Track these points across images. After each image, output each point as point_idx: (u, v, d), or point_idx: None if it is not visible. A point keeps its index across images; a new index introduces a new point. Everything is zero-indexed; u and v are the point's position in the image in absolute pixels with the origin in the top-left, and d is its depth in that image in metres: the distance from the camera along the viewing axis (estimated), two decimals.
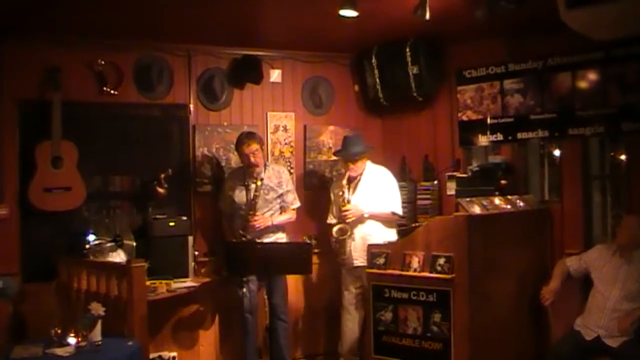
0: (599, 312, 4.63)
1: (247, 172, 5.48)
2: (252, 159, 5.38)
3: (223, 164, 5.95)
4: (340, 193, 5.54)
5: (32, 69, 5.22)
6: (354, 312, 5.65)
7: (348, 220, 5.45)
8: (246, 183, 5.41)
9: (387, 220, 5.58)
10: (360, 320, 5.61)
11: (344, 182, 5.57)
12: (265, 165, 5.56)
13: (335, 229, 5.50)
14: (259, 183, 5.37)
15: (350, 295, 5.66)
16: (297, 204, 5.70)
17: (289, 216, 5.63)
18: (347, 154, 5.59)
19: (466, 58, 5.88)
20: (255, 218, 5.35)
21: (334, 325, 5.94)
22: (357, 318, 5.64)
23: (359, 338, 5.64)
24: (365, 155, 5.62)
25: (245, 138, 5.45)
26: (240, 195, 5.46)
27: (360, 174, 5.60)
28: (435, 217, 5.62)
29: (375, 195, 5.56)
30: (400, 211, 5.63)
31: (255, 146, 5.40)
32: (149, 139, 5.77)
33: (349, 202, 5.49)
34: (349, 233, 5.45)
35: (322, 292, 6.21)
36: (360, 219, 5.50)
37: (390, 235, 5.52)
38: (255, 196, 5.35)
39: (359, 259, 5.45)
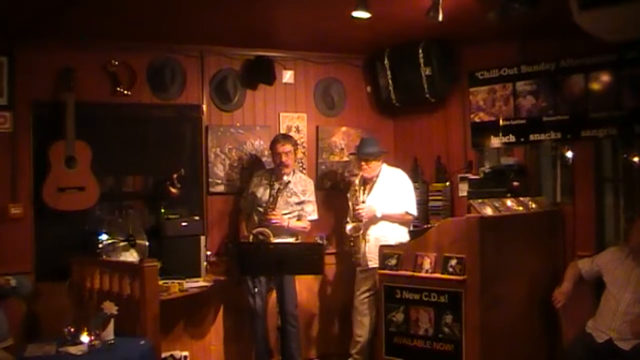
0: (611, 315, 4.61)
1: (275, 171, 5.60)
2: (284, 159, 5.52)
3: (235, 164, 5.98)
4: (354, 192, 5.63)
5: (45, 70, 5.27)
6: (365, 313, 5.67)
7: (361, 218, 5.52)
8: (272, 182, 5.52)
9: (401, 221, 5.62)
10: (372, 321, 5.63)
11: (357, 181, 5.68)
12: (294, 171, 5.69)
13: (349, 226, 5.57)
14: (285, 179, 5.50)
15: (362, 296, 5.69)
16: (315, 216, 5.75)
17: (304, 225, 5.66)
18: (361, 153, 5.68)
19: (479, 60, 5.86)
20: (274, 213, 5.42)
21: (347, 326, 5.94)
22: (368, 319, 5.66)
23: (369, 339, 5.66)
24: (380, 158, 5.68)
25: (282, 138, 5.64)
26: (264, 193, 5.55)
27: (377, 176, 5.68)
28: (447, 219, 5.61)
29: (389, 197, 5.61)
30: (414, 211, 5.68)
31: (289, 147, 5.56)
32: (162, 139, 5.80)
33: (363, 202, 5.58)
34: (361, 231, 5.51)
35: (336, 293, 6.23)
36: (374, 220, 5.55)
37: (403, 235, 5.56)
38: (279, 189, 5.45)
39: (373, 260, 5.47)
